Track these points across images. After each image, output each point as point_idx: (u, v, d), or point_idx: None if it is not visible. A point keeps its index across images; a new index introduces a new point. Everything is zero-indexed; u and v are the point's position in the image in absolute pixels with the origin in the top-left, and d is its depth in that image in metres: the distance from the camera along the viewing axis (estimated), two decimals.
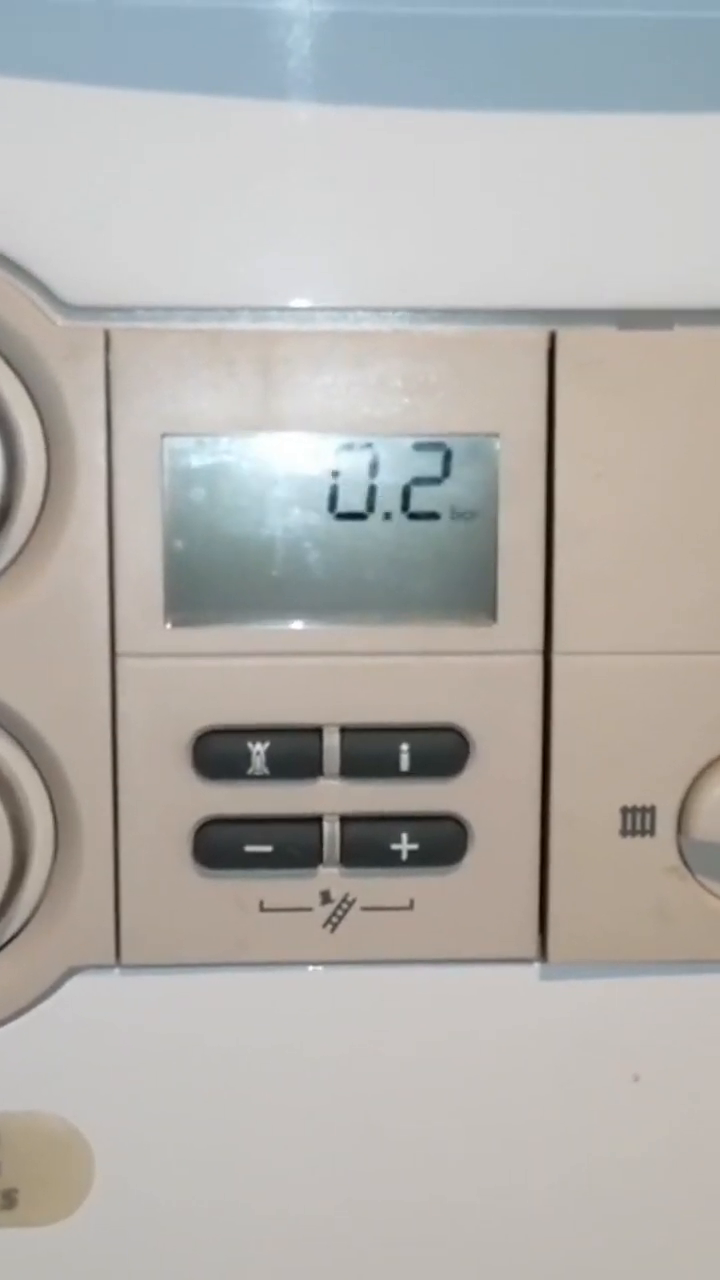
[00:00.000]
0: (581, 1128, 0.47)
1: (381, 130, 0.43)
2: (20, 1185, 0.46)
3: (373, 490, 0.44)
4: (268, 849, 0.44)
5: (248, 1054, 0.46)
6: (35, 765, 0.45)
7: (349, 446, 0.44)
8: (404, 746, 0.44)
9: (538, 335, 0.44)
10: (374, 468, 0.44)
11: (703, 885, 0.45)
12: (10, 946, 0.45)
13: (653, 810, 0.45)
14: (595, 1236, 0.47)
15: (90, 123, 0.42)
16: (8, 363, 0.43)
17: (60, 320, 0.43)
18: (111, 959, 0.45)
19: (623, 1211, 0.47)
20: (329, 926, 0.45)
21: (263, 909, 0.45)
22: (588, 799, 0.45)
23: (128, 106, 0.42)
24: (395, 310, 0.44)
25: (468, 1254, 0.47)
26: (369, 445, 0.44)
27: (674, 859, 0.45)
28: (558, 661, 0.45)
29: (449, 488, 0.44)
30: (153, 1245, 0.47)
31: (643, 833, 0.45)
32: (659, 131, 0.43)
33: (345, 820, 0.45)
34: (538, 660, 0.45)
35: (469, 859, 0.45)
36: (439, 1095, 0.46)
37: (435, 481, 0.44)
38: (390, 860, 0.45)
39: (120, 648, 0.44)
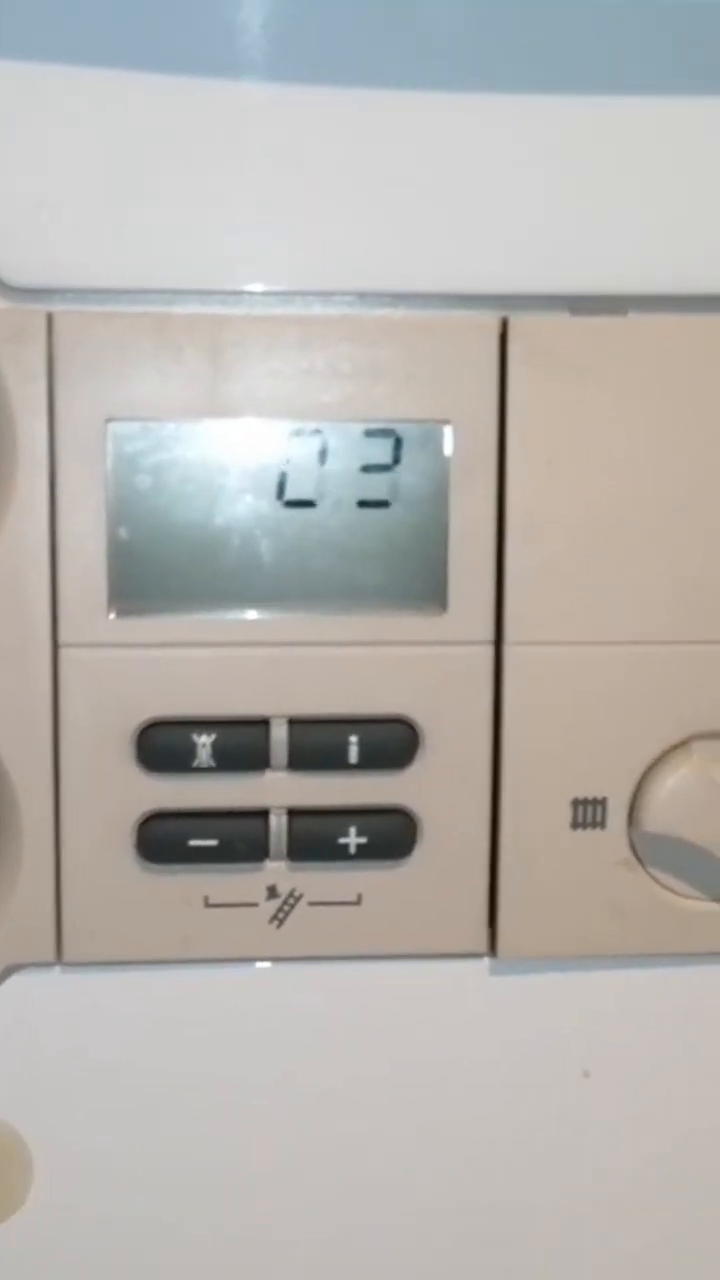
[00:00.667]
0: (531, 1123, 0.47)
1: (332, 111, 0.43)
2: None
3: (322, 478, 0.44)
4: (213, 843, 0.44)
5: (192, 1053, 0.46)
6: None
7: (298, 433, 0.44)
8: (353, 738, 0.44)
9: (489, 320, 0.44)
10: (323, 455, 0.44)
11: (654, 878, 0.46)
12: None
13: (604, 803, 0.45)
14: (543, 1229, 0.48)
15: (32, 100, 0.42)
16: None
17: (1, 302, 0.43)
18: (52, 956, 0.45)
19: (572, 1205, 0.48)
20: (275, 922, 0.45)
21: (208, 905, 0.45)
22: (538, 791, 0.45)
23: (72, 83, 0.42)
24: (345, 294, 0.44)
25: (414, 1242, 0.47)
26: (318, 432, 0.44)
27: (625, 852, 0.45)
28: (509, 652, 0.45)
29: (399, 475, 0.44)
30: (92, 1247, 0.47)
31: (594, 825, 0.45)
32: (613, 116, 0.43)
33: (293, 813, 0.45)
34: (489, 650, 0.45)
35: (418, 852, 0.45)
36: (388, 1091, 0.47)
37: (385, 469, 0.44)
38: (338, 854, 0.45)
39: (62, 638, 0.44)
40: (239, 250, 0.43)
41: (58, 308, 0.43)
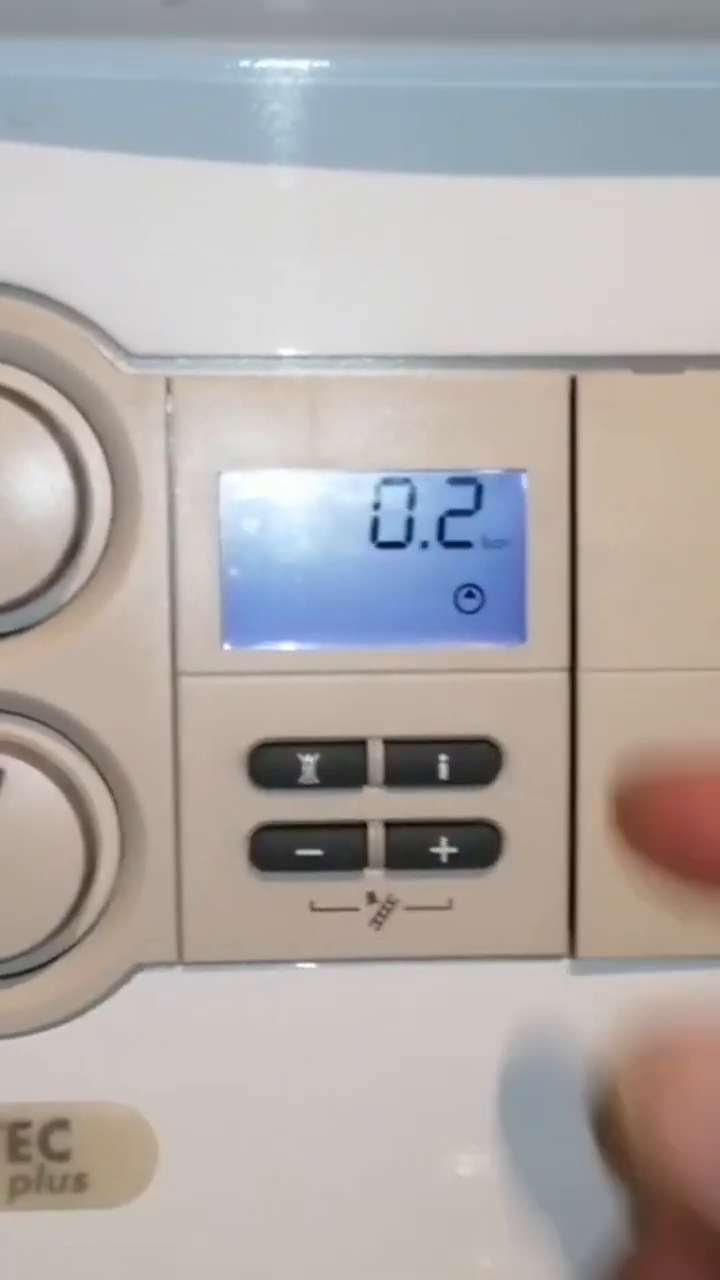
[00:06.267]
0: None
1: (420, 197, 0.45)
2: (90, 1169, 0.48)
3: (411, 521, 0.46)
4: (318, 853, 0.46)
5: (299, 1045, 0.48)
6: (103, 777, 0.46)
7: (389, 481, 0.46)
8: (442, 757, 0.46)
9: (560, 379, 0.46)
10: (412, 501, 0.46)
11: None
12: (80, 945, 0.47)
13: None
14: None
15: (152, 192, 0.45)
16: (78, 408, 0.45)
17: (126, 368, 0.45)
18: (174, 957, 0.47)
19: None
20: (374, 925, 0.47)
21: (313, 909, 0.47)
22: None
23: (185, 175, 0.45)
24: (430, 357, 0.46)
25: (499, 1231, 0.49)
26: (407, 480, 0.46)
27: None
28: (583, 677, 0.46)
29: (481, 518, 0.46)
30: (212, 1225, 0.48)
31: None
32: (669, 194, 0.46)
33: (389, 826, 0.46)
34: (565, 676, 0.46)
35: (503, 861, 0.47)
36: (476, 1077, 0.48)
37: (468, 513, 0.46)
38: (430, 863, 0.46)
39: (181, 667, 0.46)
40: (335, 319, 0.45)
41: (175, 373, 0.45)
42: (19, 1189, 0.48)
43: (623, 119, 0.45)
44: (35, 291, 0.45)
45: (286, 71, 0.45)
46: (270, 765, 0.46)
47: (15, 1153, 0.48)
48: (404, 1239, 0.49)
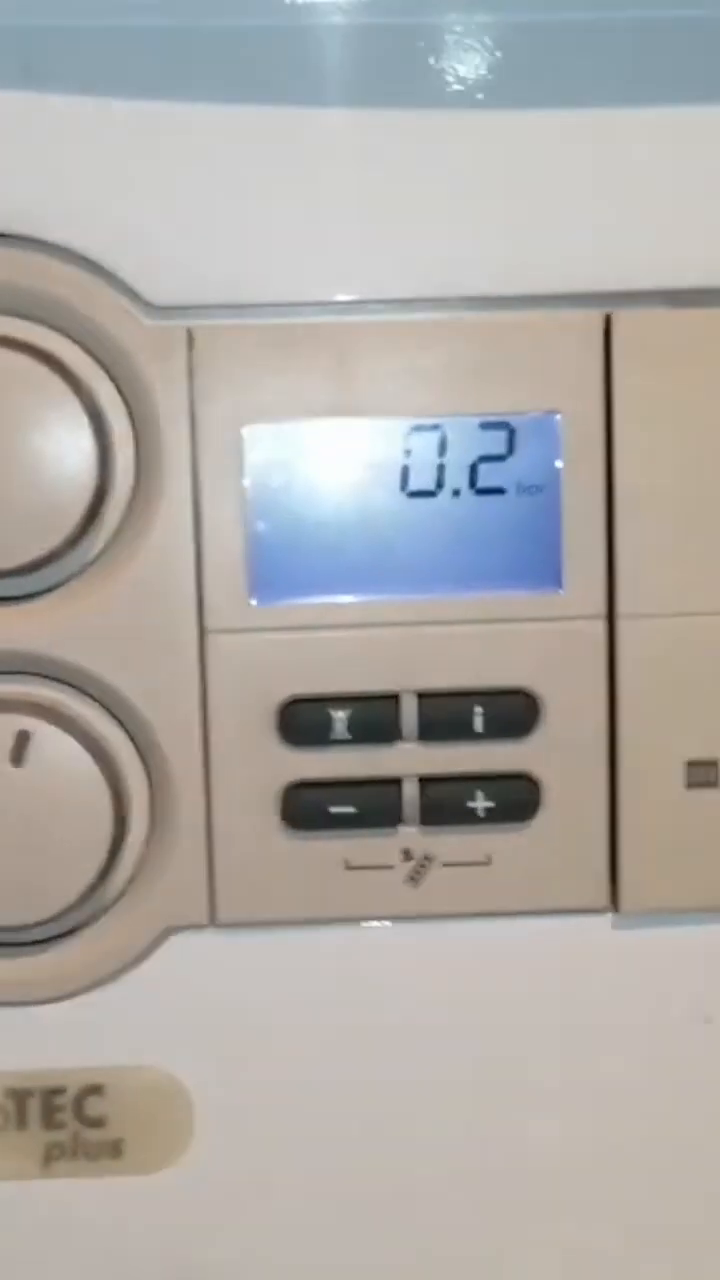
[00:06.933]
0: (654, 1067, 0.48)
1: (446, 134, 0.44)
2: (126, 1135, 0.48)
3: (442, 469, 0.45)
4: (351, 810, 0.46)
5: (335, 1006, 0.47)
6: (131, 738, 0.46)
7: (418, 428, 0.45)
8: (477, 709, 0.46)
9: (593, 317, 0.45)
10: (442, 447, 0.45)
11: None
12: (111, 910, 0.47)
13: (716, 764, 0.46)
14: (668, 1173, 0.49)
15: (169, 139, 0.44)
16: (99, 362, 0.45)
17: (147, 320, 0.45)
18: (206, 919, 0.46)
19: (696, 1152, 0.49)
20: (411, 883, 0.46)
21: (348, 867, 0.46)
22: (653, 754, 0.46)
23: (201, 121, 0.44)
24: (458, 299, 0.45)
25: (549, 1189, 0.49)
26: (437, 427, 0.45)
27: None
28: (621, 625, 0.46)
29: (514, 464, 0.45)
30: (250, 1190, 0.48)
31: (708, 785, 0.46)
32: (704, 124, 0.45)
33: (424, 781, 0.46)
34: (602, 624, 0.46)
35: (542, 814, 0.46)
36: (520, 1039, 0.48)
37: (500, 458, 0.45)
38: (467, 818, 0.46)
39: (208, 624, 0.45)
40: (360, 264, 0.45)
41: (197, 323, 0.44)
42: (54, 1156, 0.48)
43: (657, 48, 0.44)
44: (54, 244, 0.44)
45: (310, 10, 0.44)
46: (301, 722, 0.46)
47: (50, 1120, 0.48)
48: (436, 1199, 0.49)
